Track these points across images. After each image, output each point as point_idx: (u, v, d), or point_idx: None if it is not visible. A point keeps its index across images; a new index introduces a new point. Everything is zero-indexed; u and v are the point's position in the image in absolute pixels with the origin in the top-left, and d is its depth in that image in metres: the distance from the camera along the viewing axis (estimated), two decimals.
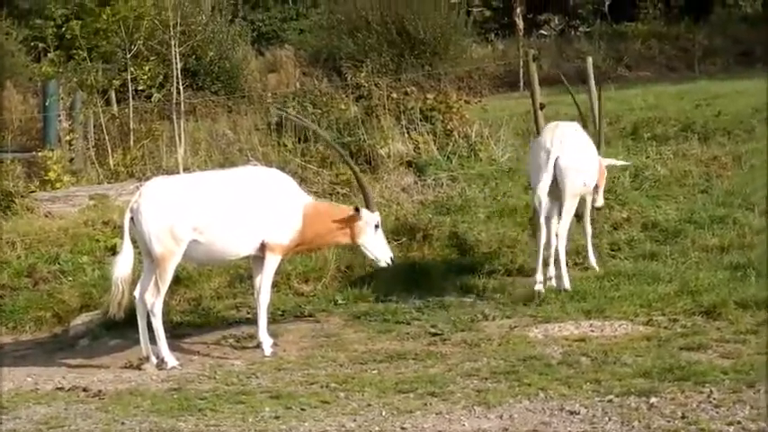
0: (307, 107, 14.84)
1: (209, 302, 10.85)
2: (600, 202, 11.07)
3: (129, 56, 15.28)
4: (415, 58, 22.89)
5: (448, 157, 14.74)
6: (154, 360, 8.97)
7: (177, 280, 11.02)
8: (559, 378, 7.71)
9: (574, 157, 10.12)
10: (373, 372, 8.36)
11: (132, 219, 8.85)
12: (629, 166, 12.87)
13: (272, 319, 10.23)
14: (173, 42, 14.37)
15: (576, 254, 11.36)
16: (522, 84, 21.27)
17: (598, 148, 10.87)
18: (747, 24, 37.04)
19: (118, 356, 9.46)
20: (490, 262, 11.21)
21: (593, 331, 9.03)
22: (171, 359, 8.92)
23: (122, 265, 8.77)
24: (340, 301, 10.62)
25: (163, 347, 8.92)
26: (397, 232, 12.17)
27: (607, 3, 39.58)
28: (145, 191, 8.96)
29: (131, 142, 15.08)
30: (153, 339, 8.98)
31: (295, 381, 8.21)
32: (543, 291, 10.06)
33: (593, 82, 17.05)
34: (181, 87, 14.49)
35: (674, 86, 23.27)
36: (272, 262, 9.13)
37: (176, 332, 10.01)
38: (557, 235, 10.13)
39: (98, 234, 12.11)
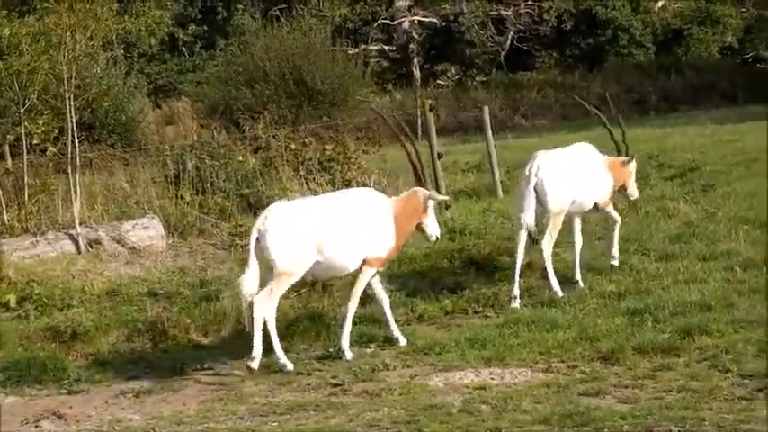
0: (204, 159, 14.75)
1: (106, 357, 10.64)
2: (634, 194, 12.44)
3: (22, 110, 15.04)
4: (314, 108, 22.98)
5: None
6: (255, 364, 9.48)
7: (74, 335, 10.85)
8: (460, 426, 7.69)
9: (550, 183, 11.20)
10: (273, 424, 8.25)
11: (258, 239, 9.43)
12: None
13: (171, 372, 10.11)
14: (67, 96, 14.17)
15: (474, 301, 11.41)
16: (420, 133, 21.42)
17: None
18: (641, 73, 37.95)
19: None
20: (393, 311, 11.17)
21: (493, 379, 9.04)
22: (288, 363, 9.61)
23: (249, 283, 9.35)
24: (239, 354, 10.47)
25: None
26: (296, 283, 12.09)
27: (503, 53, 40.24)
28: (271, 215, 9.54)
29: (26, 197, 14.79)
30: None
31: None
32: (518, 306, 11.03)
33: (489, 131, 17.29)
34: (76, 141, 14.28)
35: (570, 135, 23.61)
36: (367, 275, 9.93)
37: (73, 388, 9.79)
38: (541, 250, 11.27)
39: None
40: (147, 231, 13.64)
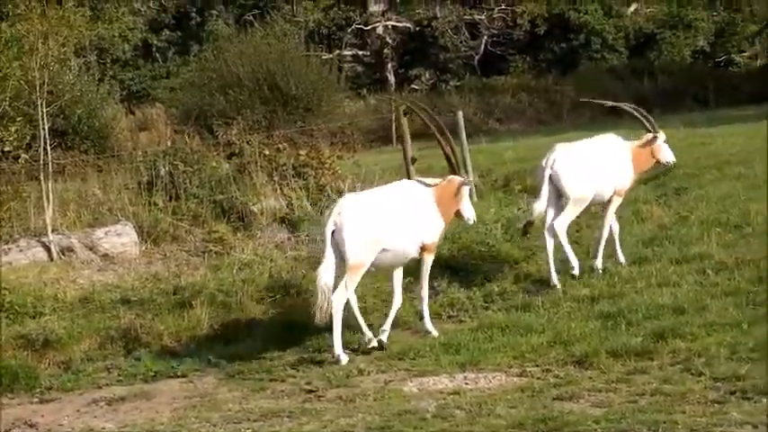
0: (178, 165, 14.68)
1: (79, 365, 10.58)
2: (671, 159, 12.79)
3: None
4: (288, 114, 22.95)
5: (321, 212, 14.71)
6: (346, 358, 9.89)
7: (46, 343, 10.79)
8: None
9: (565, 173, 11.70)
10: (248, 431, 8.22)
11: (333, 232, 9.88)
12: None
13: (144, 380, 10.07)
14: (40, 102, 14.08)
15: (449, 306, 11.43)
16: (394, 138, 21.43)
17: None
18: (613, 77, 38.07)
19: None
20: (365, 317, 11.16)
21: (467, 384, 9.04)
22: (343, 356, 9.88)
23: (326, 273, 9.79)
24: (213, 360, 10.45)
25: (336, 343, 9.91)
26: (270, 289, 12.11)
27: (477, 57, 40.28)
28: (345, 209, 10.00)
29: None
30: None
31: None
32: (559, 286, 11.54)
33: (464, 135, 17.29)
34: (49, 148, 14.19)
35: (543, 139, 23.68)
36: (429, 260, 10.54)
37: (45, 397, 9.74)
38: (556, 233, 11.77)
39: None
40: (120, 238, 13.57)
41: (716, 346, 8.94)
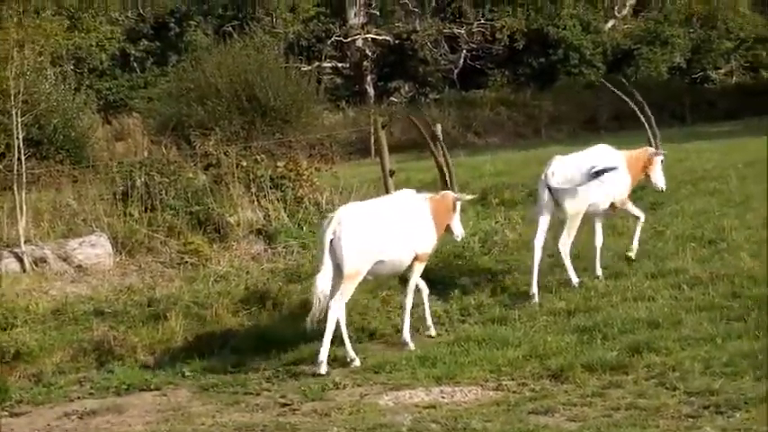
0: (154, 176, 14.60)
1: (50, 378, 10.49)
2: (660, 183, 12.84)
3: None
4: (266, 125, 22.90)
5: (299, 224, 14.70)
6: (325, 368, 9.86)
7: (17, 355, 10.69)
8: None
9: (562, 184, 11.75)
10: None
11: (331, 241, 9.96)
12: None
13: (116, 393, 9.99)
14: (14, 112, 13.98)
15: (419, 319, 11.42)
16: (373, 150, 21.39)
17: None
18: (591, 91, 38.20)
19: None
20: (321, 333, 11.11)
21: (443, 397, 9.01)
22: (324, 367, 9.87)
23: (323, 282, 9.86)
24: (187, 373, 10.38)
25: (323, 352, 9.92)
26: (246, 301, 12.06)
27: (456, 71, 40.35)
28: (344, 220, 10.06)
29: None
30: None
31: None
32: (537, 300, 11.55)
33: (439, 150, 17.22)
34: (23, 157, 14.09)
35: (522, 152, 23.73)
36: (419, 270, 10.66)
37: (15, 410, 9.64)
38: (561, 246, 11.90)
39: None
40: (94, 249, 13.48)
41: (690, 361, 8.95)
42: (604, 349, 9.56)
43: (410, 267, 10.62)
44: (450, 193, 11.01)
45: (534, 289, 11.67)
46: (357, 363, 10.12)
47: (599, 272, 12.13)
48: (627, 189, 12.52)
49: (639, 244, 12.64)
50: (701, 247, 12.77)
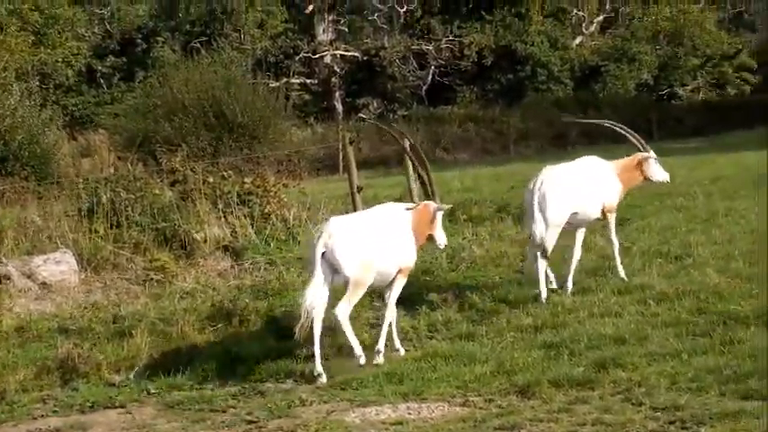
0: (120, 192, 14.53)
1: (13, 396, 10.36)
2: (664, 178, 12.98)
3: None
4: (234, 141, 22.86)
5: (266, 240, 14.66)
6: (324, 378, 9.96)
7: None
8: None
9: (550, 196, 11.84)
10: None
11: (324, 253, 10.02)
12: None
13: (80, 411, 9.89)
14: None
15: (389, 338, 11.38)
16: (341, 166, 21.39)
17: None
18: (559, 108, 38.42)
19: None
20: (308, 346, 11.08)
21: (410, 414, 8.97)
22: (362, 356, 10.17)
23: (312, 294, 9.95)
24: (153, 391, 10.28)
25: (355, 347, 10.22)
26: (213, 318, 11.99)
27: (424, 87, 40.48)
28: (335, 231, 10.13)
29: None
30: None
31: None
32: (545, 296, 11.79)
33: (410, 165, 17.25)
34: None
35: (490, 168, 23.79)
36: (401, 284, 10.72)
37: None
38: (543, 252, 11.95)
39: None
40: (59, 266, 13.37)
41: (656, 377, 8.96)
42: (571, 365, 9.56)
43: (392, 282, 10.68)
44: (431, 204, 11.08)
45: (543, 294, 11.86)
46: (323, 379, 10.05)
47: (570, 285, 12.16)
48: (617, 196, 12.62)
49: (606, 258, 12.66)
50: (667, 263, 12.83)
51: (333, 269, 10.13)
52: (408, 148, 11.53)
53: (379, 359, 10.46)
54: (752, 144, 28.21)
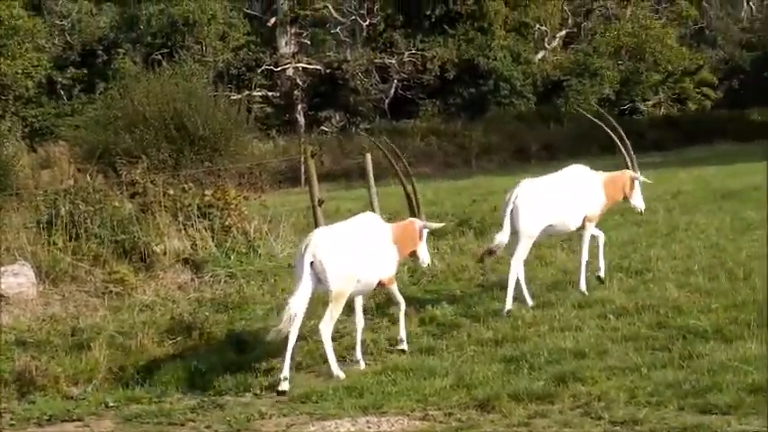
0: (79, 204, 14.41)
1: None
2: (640, 205, 13.10)
3: None
4: (195, 153, 22.72)
5: (226, 253, 14.60)
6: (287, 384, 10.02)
7: None
8: None
9: (523, 208, 11.91)
10: None
11: (312, 263, 10.15)
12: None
13: (38, 424, 9.80)
14: None
15: (353, 348, 11.35)
16: (303, 179, 21.36)
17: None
18: (521, 122, 38.59)
19: None
20: (268, 359, 11.04)
21: (369, 427, 8.96)
22: (340, 374, 10.31)
23: (296, 304, 10.04)
24: (111, 404, 10.21)
25: (333, 364, 10.37)
26: (172, 331, 11.93)
27: (387, 100, 40.55)
28: (321, 242, 10.27)
29: None
30: None
31: None
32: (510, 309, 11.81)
33: (372, 178, 17.28)
34: None
35: (451, 182, 23.83)
36: (394, 289, 11.04)
37: None
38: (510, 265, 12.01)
39: None
40: (16, 278, 13.24)
41: (615, 391, 8.98)
42: (531, 379, 9.57)
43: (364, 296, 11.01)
44: (417, 221, 11.20)
45: (529, 301, 12.03)
46: (286, 386, 10.05)
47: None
48: (600, 208, 12.67)
49: (566, 272, 12.70)
50: (627, 278, 12.89)
51: (317, 279, 10.23)
52: (400, 170, 11.54)
53: (403, 346, 11.00)
54: (713, 159, 28.46)
